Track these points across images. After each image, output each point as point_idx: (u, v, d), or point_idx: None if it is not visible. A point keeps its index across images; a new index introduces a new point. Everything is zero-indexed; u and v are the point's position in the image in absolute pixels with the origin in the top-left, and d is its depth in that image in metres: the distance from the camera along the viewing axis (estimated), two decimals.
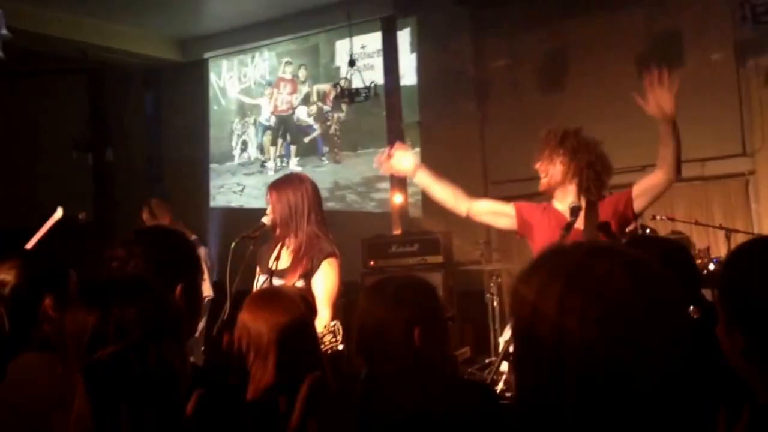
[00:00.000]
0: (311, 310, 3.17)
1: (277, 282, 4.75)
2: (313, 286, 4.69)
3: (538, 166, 4.68)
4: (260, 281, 4.88)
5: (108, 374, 1.90)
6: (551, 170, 4.62)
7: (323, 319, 4.41)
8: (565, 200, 4.61)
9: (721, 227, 8.40)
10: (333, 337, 4.40)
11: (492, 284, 9.15)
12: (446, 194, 4.87)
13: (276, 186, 4.87)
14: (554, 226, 4.50)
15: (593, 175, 4.58)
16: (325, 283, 4.67)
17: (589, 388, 1.28)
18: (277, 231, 4.81)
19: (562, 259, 1.40)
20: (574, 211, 4.44)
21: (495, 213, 4.90)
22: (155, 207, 7.22)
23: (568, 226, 4.42)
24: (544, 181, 4.68)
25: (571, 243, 1.48)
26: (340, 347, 4.43)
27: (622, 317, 1.30)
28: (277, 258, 4.84)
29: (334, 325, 4.40)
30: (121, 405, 1.88)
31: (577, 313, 1.30)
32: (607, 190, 4.66)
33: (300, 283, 4.69)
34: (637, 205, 4.51)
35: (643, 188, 4.48)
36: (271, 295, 3.32)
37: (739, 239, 8.51)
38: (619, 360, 1.28)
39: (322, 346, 4.38)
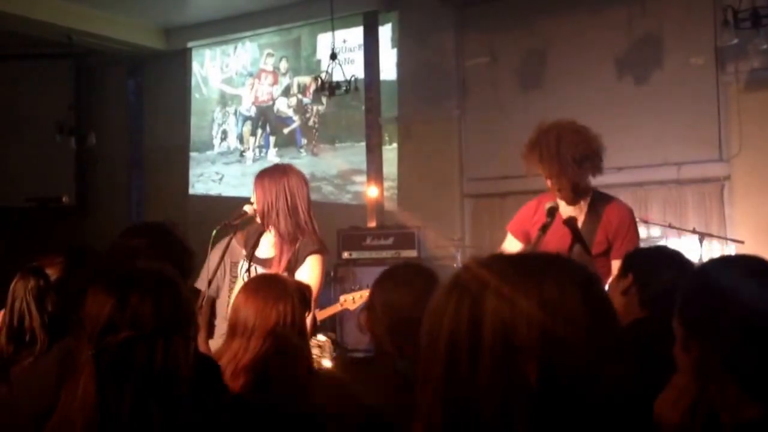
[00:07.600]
0: (305, 304, 3.19)
1: (259, 270, 4.72)
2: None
3: (549, 182, 4.62)
4: (244, 266, 4.86)
5: (116, 360, 2.03)
6: (563, 183, 4.58)
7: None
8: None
9: (694, 231, 8.37)
10: (320, 352, 4.37)
11: None
12: None
13: (260, 177, 4.80)
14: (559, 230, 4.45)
15: (590, 165, 4.60)
16: (309, 279, 4.55)
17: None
18: (258, 220, 4.79)
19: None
20: (551, 212, 4.48)
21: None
22: None
23: (544, 227, 4.45)
24: (561, 195, 4.63)
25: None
26: (325, 363, 4.39)
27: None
28: (256, 246, 4.85)
29: (324, 341, 4.36)
30: (125, 390, 2.01)
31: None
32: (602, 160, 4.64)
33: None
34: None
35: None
36: (269, 281, 3.33)
37: (712, 244, 8.59)
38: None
39: None
